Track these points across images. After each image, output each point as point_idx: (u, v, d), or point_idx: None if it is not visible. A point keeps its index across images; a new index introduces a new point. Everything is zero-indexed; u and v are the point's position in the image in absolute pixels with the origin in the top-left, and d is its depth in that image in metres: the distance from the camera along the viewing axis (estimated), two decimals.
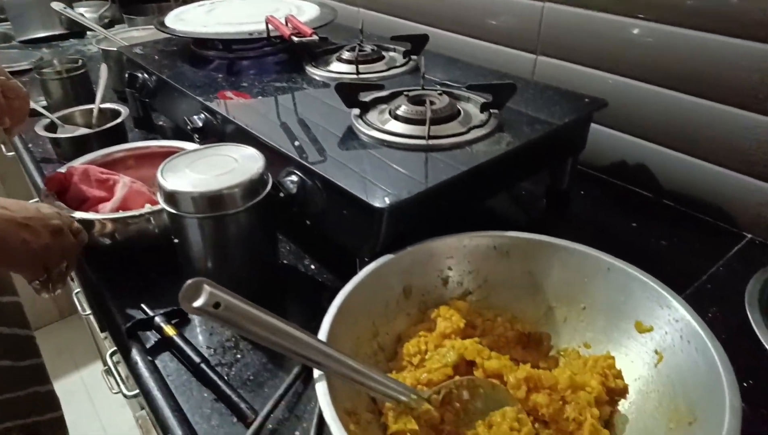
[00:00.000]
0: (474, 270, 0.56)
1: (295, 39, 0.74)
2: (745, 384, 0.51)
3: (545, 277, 0.54)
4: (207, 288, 0.39)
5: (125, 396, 0.72)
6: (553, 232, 0.54)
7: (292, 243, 0.72)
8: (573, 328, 0.52)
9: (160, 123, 1.05)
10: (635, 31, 0.75)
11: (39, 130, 0.88)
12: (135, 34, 1.23)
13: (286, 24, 0.84)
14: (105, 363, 1.68)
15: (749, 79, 0.66)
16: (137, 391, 0.56)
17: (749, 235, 0.71)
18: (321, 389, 0.40)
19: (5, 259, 0.55)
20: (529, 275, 0.55)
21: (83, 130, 0.91)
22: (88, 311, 1.12)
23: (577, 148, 0.74)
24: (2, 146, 1.37)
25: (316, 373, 0.41)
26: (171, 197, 0.55)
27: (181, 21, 0.95)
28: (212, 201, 0.55)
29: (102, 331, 0.62)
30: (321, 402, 0.39)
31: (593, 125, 0.77)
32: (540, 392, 0.45)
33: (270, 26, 0.84)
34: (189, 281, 0.39)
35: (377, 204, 0.52)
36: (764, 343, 0.51)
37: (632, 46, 0.75)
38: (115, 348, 0.64)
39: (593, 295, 0.51)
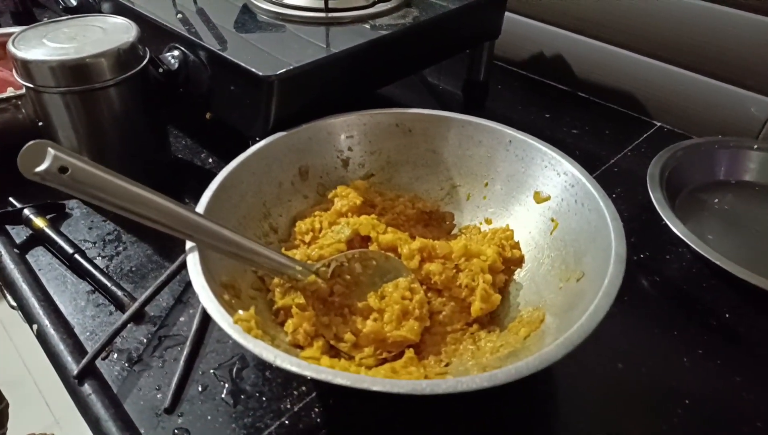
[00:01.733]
0: (376, 150, 0.52)
1: None
2: (642, 256, 0.52)
3: (449, 154, 0.52)
4: (51, 151, 0.34)
5: (11, 306, 0.66)
6: None
7: (189, 138, 0.66)
8: (475, 205, 0.51)
9: (45, 18, 0.93)
10: None
11: None
12: None
13: None
14: None
15: None
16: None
17: (658, 123, 0.72)
18: (191, 260, 0.36)
19: None
20: (432, 153, 0.52)
21: None
22: None
23: (491, 34, 0.71)
24: None
25: (188, 244, 0.37)
26: (26, 69, 0.48)
27: None
28: (75, 71, 0.48)
29: None
30: (190, 272, 0.35)
31: (511, 15, 0.73)
32: (434, 262, 0.43)
33: None
34: (30, 142, 0.34)
35: (264, 73, 0.47)
36: (663, 217, 0.52)
37: None
38: None
39: (495, 169, 0.50)
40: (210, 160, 0.62)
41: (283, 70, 0.47)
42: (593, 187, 0.42)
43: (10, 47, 0.48)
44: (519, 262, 0.45)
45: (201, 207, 0.40)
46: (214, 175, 0.60)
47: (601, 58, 0.74)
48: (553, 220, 0.45)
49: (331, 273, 0.42)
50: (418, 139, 0.52)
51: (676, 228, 0.50)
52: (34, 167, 0.34)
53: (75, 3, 0.65)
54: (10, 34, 0.69)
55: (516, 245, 0.46)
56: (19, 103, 0.57)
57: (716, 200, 0.59)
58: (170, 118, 0.66)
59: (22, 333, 1.61)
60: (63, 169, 0.34)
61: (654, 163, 0.58)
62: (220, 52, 0.50)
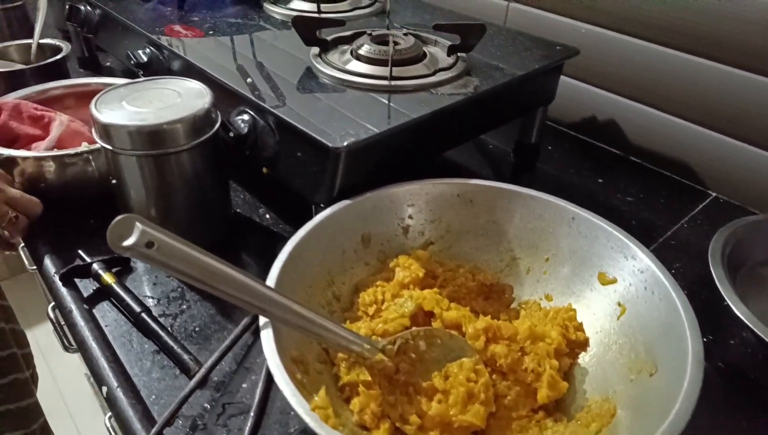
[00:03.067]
0: (436, 218, 0.53)
1: None
2: (704, 339, 0.50)
3: (509, 226, 0.52)
4: (139, 225, 0.35)
5: (66, 349, 0.68)
6: (520, 185, 0.52)
7: (247, 192, 0.67)
8: (536, 280, 0.51)
9: (108, 63, 0.97)
10: None
11: None
12: None
13: None
14: (49, 314, 1.63)
15: (722, 29, 0.64)
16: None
17: (714, 193, 0.71)
18: (266, 336, 0.37)
19: None
20: (493, 224, 0.52)
21: (19, 66, 0.83)
22: (35, 266, 1.06)
23: (546, 99, 0.72)
24: None
25: (262, 320, 0.38)
26: (106, 131, 0.50)
27: None
28: (152, 137, 0.50)
29: (35, 262, 0.57)
30: (265, 349, 0.36)
31: (564, 78, 0.74)
32: (499, 343, 0.43)
33: None
34: (118, 217, 0.35)
35: (333, 144, 0.48)
36: (726, 298, 0.51)
37: None
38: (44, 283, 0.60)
39: (557, 245, 0.50)
40: (268, 217, 0.64)
41: (351, 141, 0.48)
42: (664, 275, 0.41)
43: (93, 109, 0.50)
44: (583, 345, 0.45)
45: (272, 279, 0.41)
46: (272, 232, 0.62)
47: (656, 126, 0.73)
48: (620, 305, 0.44)
49: (397, 350, 0.42)
50: (479, 210, 0.52)
51: (739, 310, 0.49)
52: (122, 241, 0.35)
53: (145, 59, 0.69)
54: (82, 85, 0.73)
55: (580, 327, 0.45)
56: (90, 157, 0.60)
57: None
58: (230, 171, 0.68)
59: (59, 357, 1.63)
60: (149, 244, 0.35)
61: (715, 239, 0.57)
62: (290, 120, 0.51)
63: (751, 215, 0.64)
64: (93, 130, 0.52)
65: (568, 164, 0.76)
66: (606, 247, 0.46)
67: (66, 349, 0.67)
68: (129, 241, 0.35)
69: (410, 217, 0.53)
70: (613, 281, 0.45)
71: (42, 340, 1.75)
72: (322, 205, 0.52)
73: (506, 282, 0.52)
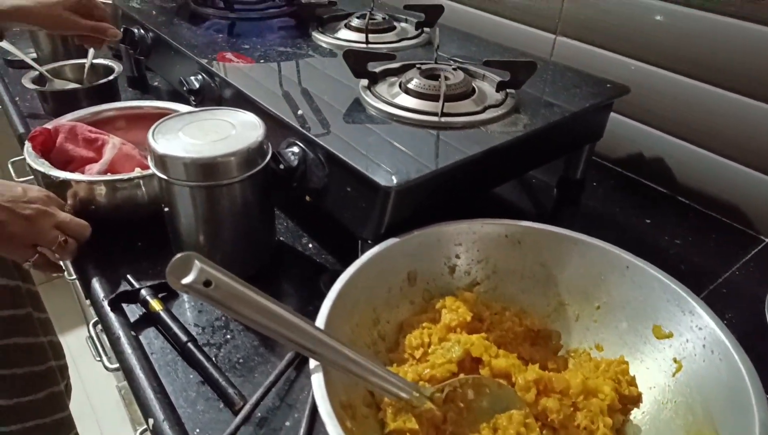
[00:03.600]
0: (483, 259, 0.52)
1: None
2: None
3: (559, 270, 0.51)
4: (197, 263, 0.36)
5: (106, 368, 0.69)
6: (565, 223, 0.51)
7: (290, 219, 0.68)
8: (585, 328, 0.49)
9: (156, 83, 1.00)
10: (659, 16, 0.70)
11: (26, 82, 0.83)
12: None
13: None
14: (89, 330, 1.65)
15: None
16: (118, 365, 0.53)
17: (766, 239, 0.68)
18: (317, 381, 0.36)
19: None
20: (541, 267, 0.51)
21: (73, 85, 0.86)
22: (75, 276, 1.08)
23: (594, 136, 0.71)
24: None
25: (312, 362, 0.38)
26: (161, 161, 0.51)
27: None
28: (206, 169, 0.50)
29: (82, 285, 0.59)
30: (316, 395, 0.36)
31: (613, 114, 0.73)
32: (550, 396, 0.42)
33: None
34: (178, 255, 0.36)
35: (384, 183, 0.48)
36: None
37: (656, 30, 0.71)
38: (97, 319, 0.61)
39: (609, 293, 0.48)
40: (310, 246, 0.64)
41: (402, 180, 0.48)
42: (725, 335, 0.40)
43: (150, 139, 0.52)
44: (636, 401, 0.43)
45: (321, 319, 0.41)
46: (315, 262, 0.62)
47: (705, 166, 0.72)
48: (675, 361, 0.43)
49: (444, 398, 0.41)
50: (527, 252, 0.52)
51: None
52: (181, 279, 0.35)
53: (197, 86, 0.70)
54: (133, 108, 0.74)
55: (632, 381, 0.44)
56: (141, 182, 0.61)
57: None
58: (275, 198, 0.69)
59: (91, 365, 1.66)
60: (207, 283, 0.35)
61: None
62: (341, 155, 0.51)
63: None
64: (149, 158, 0.53)
65: (614, 201, 0.75)
66: (662, 299, 0.45)
67: (105, 367, 0.68)
68: (187, 280, 0.35)
69: (457, 256, 0.52)
70: (669, 336, 0.44)
71: (74, 344, 1.78)
72: (369, 242, 0.52)
73: (554, 328, 0.51)
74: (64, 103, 0.82)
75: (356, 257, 0.55)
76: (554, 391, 0.42)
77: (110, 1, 1.00)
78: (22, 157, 0.92)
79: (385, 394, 0.40)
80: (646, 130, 0.77)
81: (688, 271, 0.62)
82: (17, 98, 0.93)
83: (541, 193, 0.76)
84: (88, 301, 0.80)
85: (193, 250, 0.57)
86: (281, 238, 0.65)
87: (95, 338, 0.76)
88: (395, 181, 0.48)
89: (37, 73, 0.86)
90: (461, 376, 0.42)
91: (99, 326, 0.74)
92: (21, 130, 0.84)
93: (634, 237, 0.68)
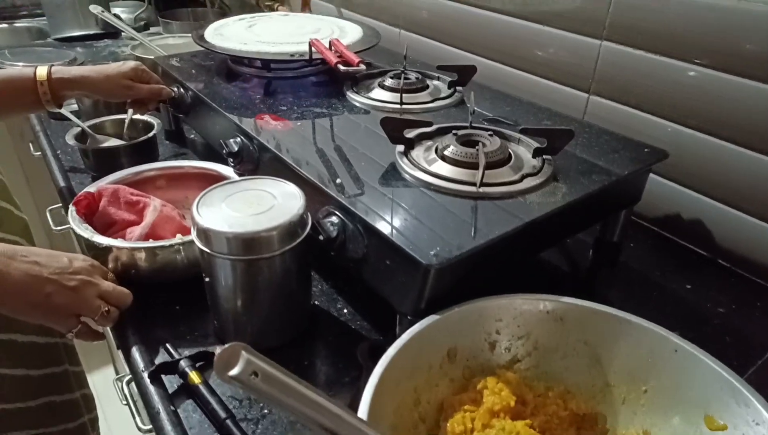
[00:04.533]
0: (524, 335, 0.51)
1: (342, 68, 0.71)
2: None
3: (603, 350, 0.50)
4: (245, 355, 0.36)
5: (140, 429, 0.69)
6: (603, 288, 0.51)
7: (325, 281, 0.68)
8: (632, 412, 0.48)
9: (192, 136, 1.02)
10: (695, 79, 0.70)
11: (69, 139, 0.86)
12: (171, 41, 1.21)
13: (330, 47, 0.81)
14: (117, 371, 1.65)
15: None
16: (152, 426, 0.53)
17: None
18: None
19: (29, 313, 0.54)
20: (584, 345, 0.50)
21: (113, 142, 0.89)
22: (124, 356, 1.10)
23: (633, 200, 0.70)
24: (30, 145, 1.36)
25: None
26: (205, 235, 0.52)
27: (220, 36, 0.92)
28: (247, 243, 0.51)
29: (122, 352, 0.59)
30: None
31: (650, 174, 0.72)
32: None
33: (313, 49, 0.81)
34: (225, 346, 0.36)
35: (425, 261, 0.48)
36: None
37: (694, 93, 0.71)
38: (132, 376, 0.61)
39: (657, 376, 0.47)
40: (345, 311, 0.64)
41: (443, 258, 0.48)
42: None
43: (194, 212, 0.52)
44: None
45: (364, 408, 0.40)
46: (351, 329, 0.62)
47: (748, 231, 0.70)
48: None
49: None
50: (570, 329, 0.51)
51: None
52: (228, 370, 0.35)
53: (236, 148, 0.71)
54: (174, 168, 0.76)
55: None
56: (181, 248, 0.62)
57: None
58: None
59: (115, 407, 1.66)
60: (254, 373, 0.35)
61: None
62: (381, 230, 0.52)
63: None
64: (192, 230, 0.54)
65: (652, 264, 0.73)
66: (714, 388, 0.43)
67: (139, 428, 0.68)
68: (234, 371, 0.35)
69: (497, 332, 0.51)
70: (723, 428, 0.42)
71: (99, 383, 1.79)
72: (408, 318, 0.51)
73: (599, 410, 0.49)
74: (104, 159, 0.85)
75: (392, 325, 0.55)
76: None
77: (151, 57, 1.04)
78: (59, 205, 0.95)
79: None
80: (683, 192, 0.76)
81: (733, 343, 0.60)
82: (59, 151, 0.96)
83: (576, 253, 0.75)
84: (126, 366, 0.80)
85: (231, 316, 0.57)
86: (316, 302, 0.65)
87: (128, 396, 0.76)
88: (436, 260, 0.48)
89: (79, 129, 0.89)
90: None
91: (132, 384, 0.75)
92: (62, 184, 0.86)
93: (675, 304, 0.66)
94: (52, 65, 0.76)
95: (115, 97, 0.82)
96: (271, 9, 1.50)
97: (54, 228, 1.03)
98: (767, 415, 0.40)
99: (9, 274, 0.52)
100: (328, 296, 0.66)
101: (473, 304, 0.50)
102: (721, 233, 0.73)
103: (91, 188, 0.68)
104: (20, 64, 1.34)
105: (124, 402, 0.80)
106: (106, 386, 1.69)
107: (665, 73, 0.73)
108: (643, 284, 0.70)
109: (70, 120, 0.91)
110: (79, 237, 0.62)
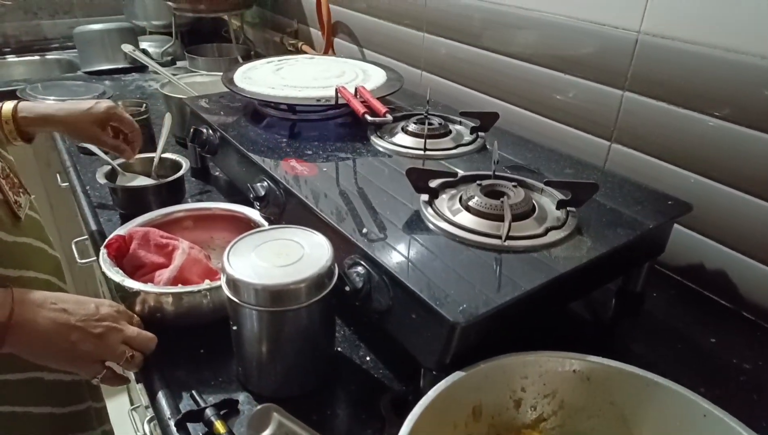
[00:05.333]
0: (550, 393, 0.51)
1: (369, 118, 0.72)
2: None
3: (630, 411, 0.49)
4: (276, 416, 0.37)
5: None
6: (626, 339, 0.51)
7: (347, 327, 0.68)
8: None
9: (216, 173, 1.04)
10: (716, 130, 0.70)
11: (99, 177, 0.88)
12: (198, 79, 1.24)
13: (355, 93, 0.83)
14: (132, 401, 1.65)
15: None
16: None
17: None
18: None
19: (54, 360, 0.55)
20: (611, 406, 0.50)
21: (142, 180, 0.91)
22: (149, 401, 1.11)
23: (656, 252, 0.70)
24: (58, 175, 1.40)
25: None
26: (234, 285, 0.53)
27: (248, 79, 0.95)
28: (275, 295, 0.52)
29: (148, 396, 0.59)
30: None
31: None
32: None
33: (339, 95, 0.83)
34: (257, 408, 0.37)
35: (452, 318, 0.48)
36: None
37: (715, 145, 0.71)
38: (153, 416, 0.62)
39: None
40: (368, 359, 0.64)
41: (470, 316, 0.48)
42: None
43: (225, 262, 0.54)
44: None
45: None
46: (372, 377, 0.62)
47: None
48: None
49: None
50: (596, 388, 0.50)
51: None
52: (260, 432, 0.36)
53: (263, 193, 0.73)
54: (201, 209, 0.78)
55: None
56: (208, 293, 0.63)
57: None
58: None
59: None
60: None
61: None
62: (408, 283, 0.52)
63: None
64: (222, 279, 0.55)
65: (675, 315, 0.73)
66: None
67: None
68: (266, 433, 0.36)
69: (523, 389, 0.51)
70: None
71: (113, 412, 1.78)
72: (432, 371, 0.52)
73: None
74: (133, 198, 0.87)
75: (415, 374, 0.56)
76: None
77: (183, 97, 1.07)
78: (85, 237, 0.96)
79: None
80: (707, 243, 0.76)
81: (761, 402, 0.59)
82: (88, 187, 0.99)
83: (598, 302, 0.75)
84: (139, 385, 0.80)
85: (256, 364, 0.58)
86: (339, 348, 0.65)
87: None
88: (463, 316, 0.48)
89: (109, 166, 0.92)
90: None
91: (154, 424, 0.75)
92: (92, 222, 0.88)
93: (700, 358, 0.65)
94: (20, 101, 0.75)
95: (82, 139, 0.83)
96: (296, 48, 1.54)
97: (79, 261, 1.05)
98: None
99: (37, 322, 0.53)
100: (350, 342, 0.66)
101: (499, 361, 0.50)
102: (746, 285, 0.73)
103: (122, 231, 0.69)
104: (51, 98, 1.39)
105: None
106: (121, 415, 1.69)
107: (687, 124, 0.74)
108: (667, 336, 0.69)
109: (98, 156, 0.94)
110: (108, 279, 0.64)
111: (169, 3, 1.55)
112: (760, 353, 0.66)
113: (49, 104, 0.81)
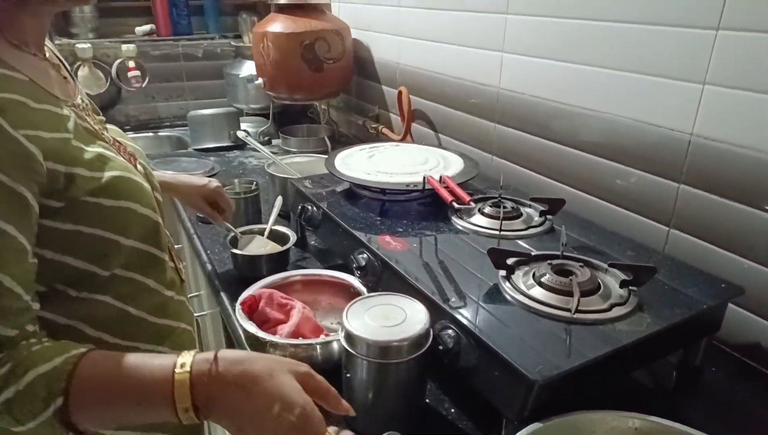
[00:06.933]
0: None
1: (456, 205, 0.86)
2: None
3: None
4: None
5: None
6: (686, 411, 0.58)
7: (432, 381, 0.79)
8: None
9: (312, 242, 1.20)
10: (766, 223, 0.79)
11: (226, 243, 1.06)
12: (297, 159, 1.44)
13: (440, 180, 0.97)
14: None
15: None
16: None
17: None
18: None
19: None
20: None
21: (259, 250, 1.07)
22: None
23: (712, 330, 0.78)
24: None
25: None
26: (350, 339, 0.66)
27: (346, 165, 1.12)
28: (383, 350, 0.65)
29: None
30: None
31: (729, 304, 0.80)
32: None
33: (426, 182, 0.98)
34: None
35: (532, 376, 0.59)
36: None
37: (765, 235, 0.80)
38: None
39: None
40: (453, 411, 0.74)
41: (547, 375, 0.59)
42: None
43: (344, 319, 0.67)
44: None
45: None
46: (457, 427, 0.72)
47: None
48: None
49: None
50: None
51: None
52: None
53: (363, 263, 0.87)
54: (312, 275, 0.92)
55: None
56: (319, 346, 0.76)
57: None
58: None
59: None
60: None
61: None
62: (493, 346, 0.63)
63: None
64: (340, 333, 0.68)
65: (735, 390, 0.79)
66: None
67: None
68: None
69: None
70: None
71: None
72: (515, 423, 0.62)
73: None
74: (249, 264, 1.03)
75: (493, 425, 0.65)
76: None
77: (289, 177, 1.25)
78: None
79: None
80: (763, 323, 0.82)
81: None
82: (208, 251, 1.17)
83: (661, 375, 0.82)
84: None
85: (363, 407, 0.69)
86: (427, 401, 0.76)
87: None
88: (540, 375, 0.59)
89: (233, 234, 1.09)
90: None
91: None
92: (216, 282, 1.05)
93: (757, 428, 0.71)
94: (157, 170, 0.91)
95: (187, 205, 1.04)
96: (377, 131, 1.73)
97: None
98: None
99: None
100: (435, 396, 0.77)
101: (570, 417, 0.60)
102: None
103: (252, 291, 0.85)
104: (169, 172, 1.63)
105: None
106: None
107: (739, 216, 0.83)
108: (725, 408, 0.76)
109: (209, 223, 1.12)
110: (244, 331, 0.79)
111: (270, 93, 1.80)
112: None
113: (171, 174, 1.04)
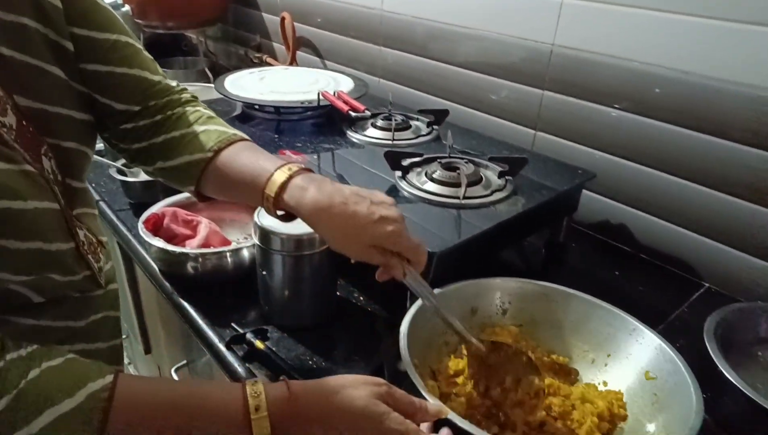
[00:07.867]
0: (525, 308, 0.69)
1: (353, 114, 0.91)
2: (704, 396, 0.67)
3: (582, 325, 0.67)
4: None
5: None
6: (555, 278, 0.70)
7: (341, 278, 0.86)
8: (597, 369, 0.65)
9: None
10: (616, 119, 0.94)
11: (113, 172, 1.02)
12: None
13: (335, 95, 1.01)
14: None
15: (707, 163, 0.85)
16: None
17: (707, 284, 0.89)
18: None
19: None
20: (569, 322, 0.67)
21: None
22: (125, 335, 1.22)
23: (572, 209, 0.92)
24: None
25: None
26: (265, 236, 0.70)
27: (239, 87, 1.11)
28: (297, 242, 0.69)
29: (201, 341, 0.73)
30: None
31: (584, 190, 0.95)
32: (556, 396, 0.60)
33: (321, 97, 1.01)
34: None
35: (431, 249, 0.68)
36: (719, 366, 0.68)
37: (613, 129, 0.95)
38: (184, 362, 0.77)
39: (617, 346, 0.64)
40: (361, 299, 0.82)
41: (444, 248, 0.68)
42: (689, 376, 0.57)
43: (256, 219, 0.70)
44: (623, 418, 0.60)
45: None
46: (366, 311, 0.80)
47: (661, 231, 0.93)
48: (656, 395, 0.59)
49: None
50: (558, 308, 0.68)
51: (729, 375, 0.66)
52: None
53: None
54: None
55: (623, 405, 0.60)
56: (229, 254, 0.79)
57: (760, 353, 0.75)
58: None
59: None
60: None
61: (709, 321, 0.75)
62: None
63: (736, 303, 0.82)
64: (253, 232, 0.71)
65: (590, 259, 0.96)
66: (655, 354, 0.61)
67: None
68: None
69: (509, 302, 0.69)
70: (654, 379, 0.60)
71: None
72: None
73: (574, 366, 0.67)
74: (144, 191, 1.01)
75: (401, 306, 0.74)
76: (560, 394, 0.60)
77: None
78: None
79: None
80: (611, 203, 0.99)
81: (648, 310, 0.81)
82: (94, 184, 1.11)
83: (531, 252, 0.97)
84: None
85: (279, 304, 0.74)
86: (338, 293, 0.83)
87: None
88: (438, 248, 0.68)
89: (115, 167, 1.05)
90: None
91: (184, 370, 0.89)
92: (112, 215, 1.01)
93: (608, 286, 0.88)
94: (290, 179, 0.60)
95: (348, 253, 0.60)
96: (261, 60, 1.70)
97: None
98: (679, 363, 0.58)
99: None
100: (345, 289, 0.84)
101: (485, 280, 0.69)
102: (642, 234, 0.96)
103: (153, 209, 0.84)
104: None
105: None
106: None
107: (593, 114, 0.97)
108: (582, 272, 0.92)
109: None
110: (151, 247, 0.79)
111: (138, 21, 1.68)
112: (650, 281, 0.90)
113: (315, 196, 0.58)
